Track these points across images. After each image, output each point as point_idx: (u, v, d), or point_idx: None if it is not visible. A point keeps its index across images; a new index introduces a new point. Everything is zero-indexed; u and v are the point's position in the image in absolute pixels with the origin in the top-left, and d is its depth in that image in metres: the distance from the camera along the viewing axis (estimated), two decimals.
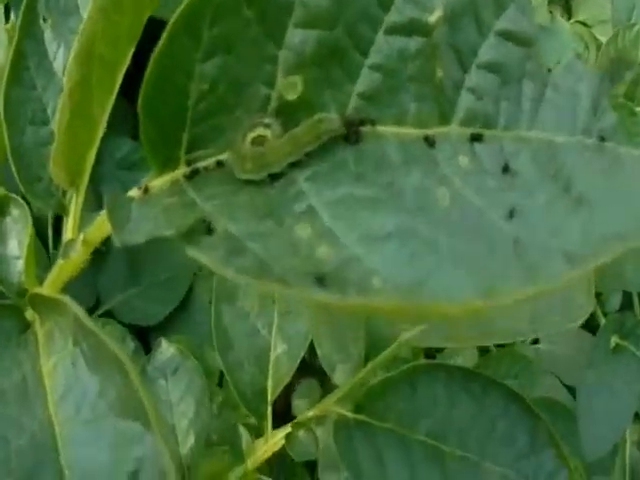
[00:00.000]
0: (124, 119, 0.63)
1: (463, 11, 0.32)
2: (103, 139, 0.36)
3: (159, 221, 0.29)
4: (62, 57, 0.39)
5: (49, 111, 0.39)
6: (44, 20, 0.38)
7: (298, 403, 0.64)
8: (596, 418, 0.67)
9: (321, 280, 0.26)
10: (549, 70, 0.34)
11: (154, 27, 0.36)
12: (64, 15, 0.39)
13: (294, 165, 0.31)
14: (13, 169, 0.37)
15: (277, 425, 0.58)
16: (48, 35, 0.38)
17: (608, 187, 0.32)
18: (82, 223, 0.37)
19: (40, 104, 0.39)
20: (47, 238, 0.80)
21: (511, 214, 0.30)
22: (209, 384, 0.60)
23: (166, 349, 0.54)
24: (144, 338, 0.84)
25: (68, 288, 0.47)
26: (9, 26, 0.55)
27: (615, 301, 0.81)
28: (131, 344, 0.73)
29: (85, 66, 0.32)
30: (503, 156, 0.32)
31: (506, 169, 0.31)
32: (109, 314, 0.85)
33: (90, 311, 0.83)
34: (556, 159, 0.32)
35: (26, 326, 0.35)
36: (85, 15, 0.39)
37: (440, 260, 0.28)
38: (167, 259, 0.87)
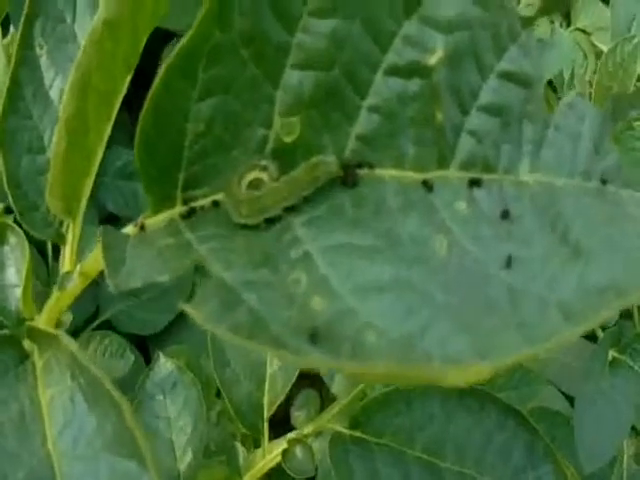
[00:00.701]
0: (124, 129, 0.62)
1: (464, 52, 0.32)
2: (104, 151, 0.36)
3: (154, 265, 0.29)
4: (58, 85, 0.38)
5: (45, 139, 0.39)
6: (40, 47, 0.38)
7: (297, 414, 0.64)
8: (593, 431, 0.67)
9: (314, 335, 0.26)
10: (551, 111, 0.33)
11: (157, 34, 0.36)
12: (60, 42, 0.38)
13: (291, 209, 0.31)
14: (10, 198, 0.37)
15: (276, 434, 0.59)
16: (44, 63, 0.38)
17: (607, 234, 0.31)
18: (80, 251, 0.37)
19: (36, 132, 0.38)
20: (48, 261, 0.80)
21: (508, 264, 0.29)
22: (207, 394, 0.60)
23: (164, 364, 0.54)
24: (144, 347, 0.84)
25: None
26: (7, 41, 0.55)
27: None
28: (130, 357, 0.73)
29: (81, 97, 0.32)
30: (502, 201, 0.31)
31: (505, 215, 0.31)
32: (108, 323, 0.85)
33: (89, 320, 0.83)
34: (555, 204, 0.32)
35: (24, 357, 0.35)
36: (83, 42, 0.38)
37: (435, 314, 0.27)
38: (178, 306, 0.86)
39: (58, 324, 0.52)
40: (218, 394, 0.69)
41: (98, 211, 0.85)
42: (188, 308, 0.26)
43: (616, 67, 0.74)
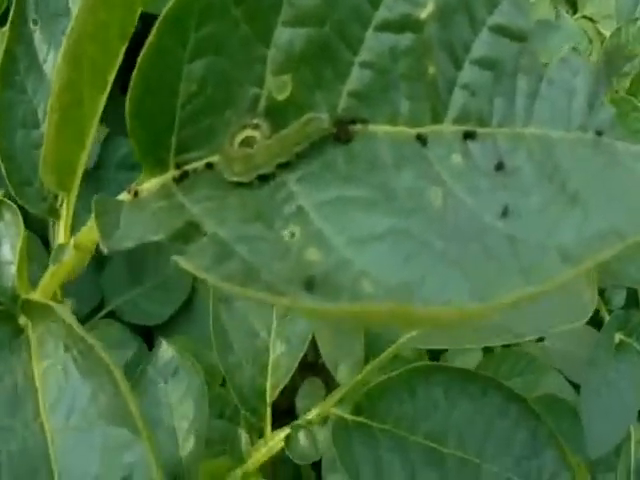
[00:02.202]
0: (123, 119, 0.62)
1: (455, 6, 0.31)
2: (103, 141, 0.36)
3: (148, 226, 0.29)
4: (52, 60, 0.38)
5: (40, 114, 0.39)
6: (34, 23, 0.38)
7: (301, 402, 0.63)
8: (600, 416, 0.66)
9: (310, 285, 0.26)
10: (544, 64, 0.33)
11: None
12: (54, 17, 0.38)
13: (284, 166, 0.30)
14: (4, 172, 0.37)
15: (281, 423, 0.58)
16: (38, 38, 0.38)
17: (605, 183, 0.31)
18: (76, 227, 0.37)
19: (31, 107, 0.38)
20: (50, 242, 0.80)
21: (504, 213, 0.29)
22: (212, 384, 0.59)
23: (166, 351, 0.54)
24: (149, 338, 0.84)
25: (72, 289, 0.47)
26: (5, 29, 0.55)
27: (620, 298, 0.80)
28: (133, 344, 0.72)
29: (74, 67, 0.31)
30: (497, 154, 0.31)
31: (500, 167, 0.31)
32: (113, 314, 0.84)
33: (94, 311, 0.83)
34: (552, 156, 0.31)
35: (19, 331, 0.35)
36: None
37: (434, 262, 0.27)
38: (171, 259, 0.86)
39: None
40: (223, 384, 0.68)
41: None
42: (180, 260, 0.26)
43: (620, 49, 0.73)
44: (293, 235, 0.28)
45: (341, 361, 0.55)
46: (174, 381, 0.53)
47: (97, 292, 0.84)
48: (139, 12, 0.32)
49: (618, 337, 0.71)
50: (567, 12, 0.81)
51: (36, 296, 0.36)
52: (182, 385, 0.53)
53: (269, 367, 0.54)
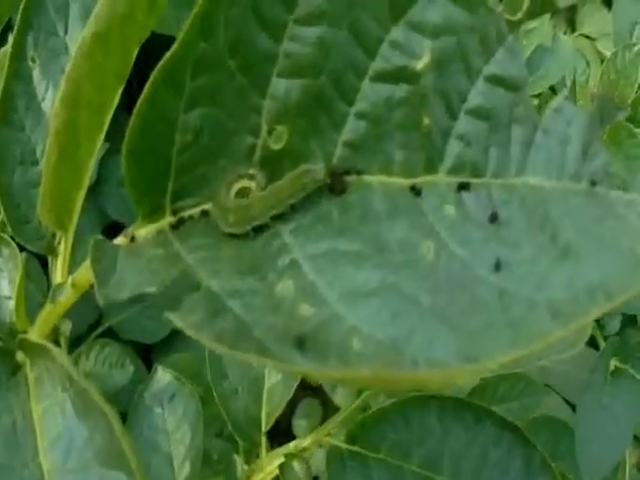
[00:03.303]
0: (124, 137, 0.62)
1: (451, 56, 0.32)
2: (104, 157, 0.36)
3: (143, 275, 0.29)
4: (51, 97, 0.39)
5: (38, 152, 0.39)
6: (32, 60, 0.38)
7: (298, 423, 0.63)
8: (595, 440, 0.66)
9: (301, 343, 0.26)
10: (539, 114, 0.33)
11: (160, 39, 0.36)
12: (53, 55, 0.39)
13: (278, 218, 0.31)
14: (2, 210, 0.37)
15: (280, 442, 0.58)
16: (37, 75, 0.38)
17: (597, 234, 0.31)
18: (75, 263, 0.37)
19: (29, 145, 0.39)
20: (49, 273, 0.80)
21: (497, 267, 0.29)
22: (210, 403, 0.59)
23: (162, 376, 0.54)
24: (147, 355, 0.84)
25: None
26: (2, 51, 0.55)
27: (615, 323, 0.80)
28: (130, 367, 0.73)
29: (71, 109, 0.32)
30: (491, 205, 0.31)
31: (493, 218, 0.31)
32: (111, 331, 0.85)
33: (92, 328, 0.83)
34: (544, 206, 0.31)
35: (16, 368, 0.35)
36: None
37: (422, 317, 0.27)
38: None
39: (57, 334, 0.53)
40: None
41: (100, 219, 0.85)
42: (173, 317, 0.26)
43: (618, 75, 0.73)
44: (286, 288, 0.28)
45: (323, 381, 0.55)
46: (170, 407, 0.53)
47: (95, 309, 0.85)
48: (135, 54, 0.33)
49: (613, 363, 0.72)
50: (565, 32, 0.80)
51: (34, 333, 0.36)
52: (178, 411, 0.53)
53: (264, 396, 0.55)
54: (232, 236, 0.31)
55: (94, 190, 0.76)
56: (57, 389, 0.33)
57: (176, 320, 0.26)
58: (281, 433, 0.62)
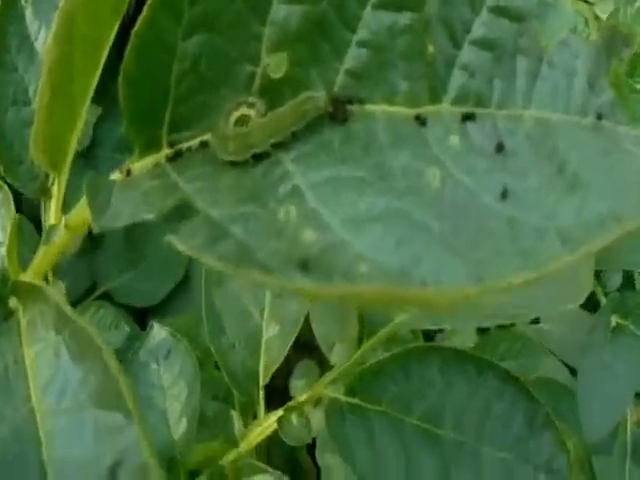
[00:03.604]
0: (118, 100, 0.61)
1: None
2: (99, 122, 0.35)
3: (139, 205, 0.29)
4: (44, 38, 0.37)
5: (31, 92, 0.38)
6: (25, 0, 0.37)
7: (295, 384, 0.63)
8: (596, 399, 0.66)
9: (305, 265, 0.25)
10: (544, 46, 0.32)
11: None
12: None
13: (279, 146, 0.30)
14: None
15: (276, 405, 0.58)
16: (29, 15, 0.37)
17: (605, 168, 0.30)
18: (68, 207, 0.36)
19: (22, 84, 0.38)
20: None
21: (504, 195, 0.29)
22: (207, 366, 0.59)
23: (158, 333, 0.53)
24: (143, 320, 0.83)
25: (64, 270, 0.46)
26: None
27: (616, 280, 0.80)
28: (125, 328, 0.72)
29: (65, 44, 0.31)
30: (496, 135, 0.31)
31: (499, 148, 0.30)
32: (107, 296, 0.84)
33: (87, 293, 0.82)
34: (551, 138, 0.31)
35: (9, 314, 0.34)
36: None
37: (429, 244, 0.27)
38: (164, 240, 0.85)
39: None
40: (217, 366, 0.68)
41: None
42: (174, 240, 0.26)
43: None
44: (288, 214, 0.28)
45: (335, 342, 0.54)
46: (166, 363, 0.53)
47: (90, 274, 0.84)
48: None
49: (614, 320, 0.71)
50: None
51: (27, 277, 0.35)
52: (174, 367, 0.53)
53: (262, 349, 0.54)
54: (232, 165, 0.30)
55: (88, 154, 0.75)
56: (50, 332, 0.32)
57: (177, 243, 0.26)
58: (278, 396, 0.61)
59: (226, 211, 0.28)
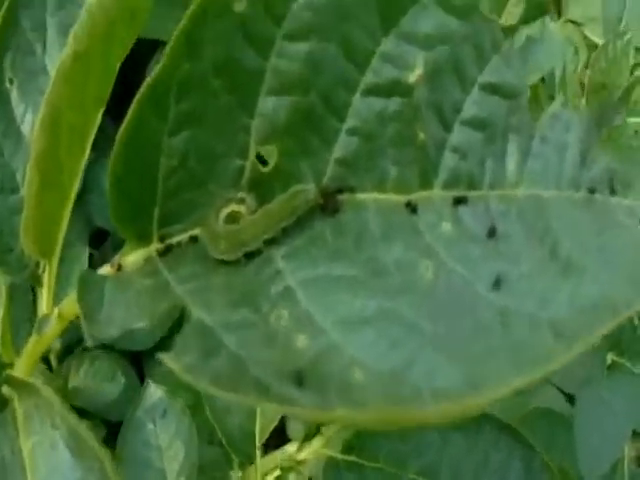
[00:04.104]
0: (110, 141, 0.61)
1: (444, 67, 0.31)
2: (90, 165, 0.35)
3: (132, 310, 0.28)
4: (30, 120, 0.37)
5: (18, 177, 0.37)
6: (10, 82, 0.37)
7: (292, 425, 0.63)
8: (594, 435, 0.66)
9: (300, 378, 0.25)
10: (536, 121, 0.32)
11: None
12: (31, 75, 0.37)
13: (270, 242, 0.29)
14: None
15: (277, 443, 0.57)
16: (15, 97, 0.37)
17: (598, 247, 0.30)
18: (59, 287, 0.36)
19: (9, 171, 0.37)
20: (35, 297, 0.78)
21: (497, 283, 0.28)
22: (201, 411, 0.58)
23: (154, 392, 0.53)
24: (138, 362, 0.83)
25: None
26: None
27: None
28: (121, 380, 0.72)
29: (52, 134, 0.30)
30: (489, 218, 0.30)
31: (492, 233, 0.30)
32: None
33: (80, 339, 0.81)
34: (543, 217, 0.30)
35: (3, 403, 0.34)
36: (53, 75, 0.37)
37: (422, 345, 0.26)
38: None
39: (46, 351, 0.51)
40: None
41: (86, 227, 0.83)
42: (166, 359, 0.25)
43: (609, 63, 0.73)
44: (280, 319, 0.27)
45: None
46: (163, 423, 0.52)
47: None
48: (115, 74, 0.31)
49: (610, 357, 0.71)
50: (551, 17, 0.79)
51: (20, 365, 0.35)
52: (171, 427, 0.52)
53: (257, 410, 0.54)
54: (223, 263, 0.30)
55: (80, 198, 0.73)
56: (47, 425, 0.32)
57: (170, 362, 0.25)
58: (275, 433, 0.61)
59: (219, 317, 0.27)
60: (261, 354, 0.26)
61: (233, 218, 0.30)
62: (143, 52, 0.29)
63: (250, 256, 0.30)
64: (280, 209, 0.29)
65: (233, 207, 0.30)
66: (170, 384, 0.55)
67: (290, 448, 0.57)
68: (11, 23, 0.36)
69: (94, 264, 0.71)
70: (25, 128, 0.37)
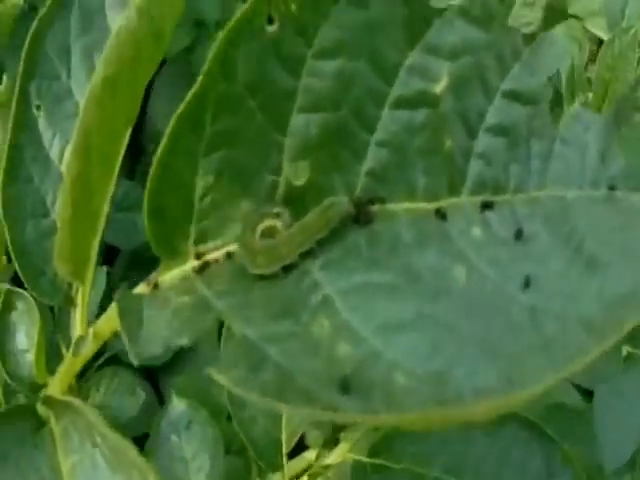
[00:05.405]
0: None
1: (469, 76, 0.31)
2: None
3: (173, 327, 0.29)
4: (58, 145, 0.37)
5: (48, 202, 0.38)
6: (37, 108, 0.37)
7: (312, 433, 0.63)
8: (613, 429, 0.66)
9: (345, 386, 0.26)
10: (557, 124, 0.33)
11: None
12: (57, 100, 0.37)
13: (306, 254, 0.30)
14: (16, 265, 0.36)
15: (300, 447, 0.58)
16: (42, 123, 0.37)
17: (622, 242, 0.31)
18: (90, 311, 0.36)
19: (39, 196, 0.37)
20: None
21: (526, 284, 0.29)
22: (219, 421, 0.59)
23: (177, 404, 0.53)
24: (153, 378, 0.83)
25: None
26: (2, 88, 0.54)
27: None
28: (141, 394, 0.72)
29: (84, 159, 0.31)
30: (515, 221, 0.31)
31: (519, 235, 0.31)
32: (116, 357, 0.83)
33: (97, 355, 0.82)
34: (568, 218, 0.31)
35: (40, 424, 0.34)
36: (80, 99, 0.38)
37: (461, 347, 0.27)
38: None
39: None
40: (229, 417, 0.67)
41: (101, 249, 0.82)
42: (216, 374, 0.26)
43: (615, 59, 0.73)
44: (322, 328, 0.28)
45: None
46: (187, 434, 0.53)
47: None
48: (142, 95, 0.32)
49: (626, 349, 0.71)
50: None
51: (55, 385, 0.35)
52: (196, 438, 0.53)
53: (284, 418, 0.54)
54: (260, 277, 0.30)
55: None
56: (86, 443, 0.32)
57: (219, 378, 0.26)
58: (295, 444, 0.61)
59: (261, 330, 0.28)
60: (305, 364, 0.27)
61: (269, 233, 0.30)
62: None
63: (287, 269, 0.30)
64: (315, 222, 0.30)
65: (269, 222, 0.30)
66: (187, 397, 0.56)
67: (309, 455, 0.57)
68: (36, 50, 0.37)
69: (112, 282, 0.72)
70: (53, 153, 0.38)
